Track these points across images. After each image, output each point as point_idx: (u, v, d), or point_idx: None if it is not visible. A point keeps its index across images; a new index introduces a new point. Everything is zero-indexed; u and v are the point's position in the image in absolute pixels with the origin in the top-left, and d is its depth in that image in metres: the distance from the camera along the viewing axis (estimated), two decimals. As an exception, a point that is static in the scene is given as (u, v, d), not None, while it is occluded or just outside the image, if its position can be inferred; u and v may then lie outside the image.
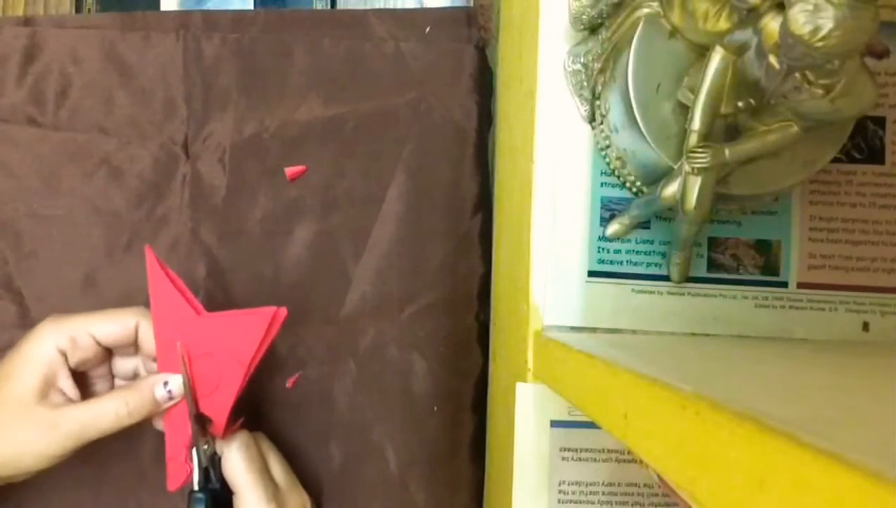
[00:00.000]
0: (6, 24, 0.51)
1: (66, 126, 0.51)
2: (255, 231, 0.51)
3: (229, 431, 0.40)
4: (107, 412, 0.37)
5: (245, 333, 0.40)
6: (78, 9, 0.55)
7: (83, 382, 0.41)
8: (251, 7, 0.56)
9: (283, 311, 0.40)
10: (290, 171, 0.51)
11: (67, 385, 0.39)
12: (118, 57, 0.51)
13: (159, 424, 0.41)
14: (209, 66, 0.51)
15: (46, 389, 0.38)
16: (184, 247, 0.50)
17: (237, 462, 0.40)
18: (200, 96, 0.51)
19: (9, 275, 0.50)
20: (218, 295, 0.50)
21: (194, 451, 0.39)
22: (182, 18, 0.52)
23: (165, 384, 0.39)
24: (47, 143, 0.50)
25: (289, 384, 0.50)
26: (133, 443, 0.49)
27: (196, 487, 0.40)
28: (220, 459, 0.40)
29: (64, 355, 0.38)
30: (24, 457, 0.37)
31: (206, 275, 0.50)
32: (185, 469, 0.39)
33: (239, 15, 0.53)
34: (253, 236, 0.51)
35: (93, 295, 0.50)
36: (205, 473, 0.40)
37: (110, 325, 0.39)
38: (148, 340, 0.40)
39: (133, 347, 0.41)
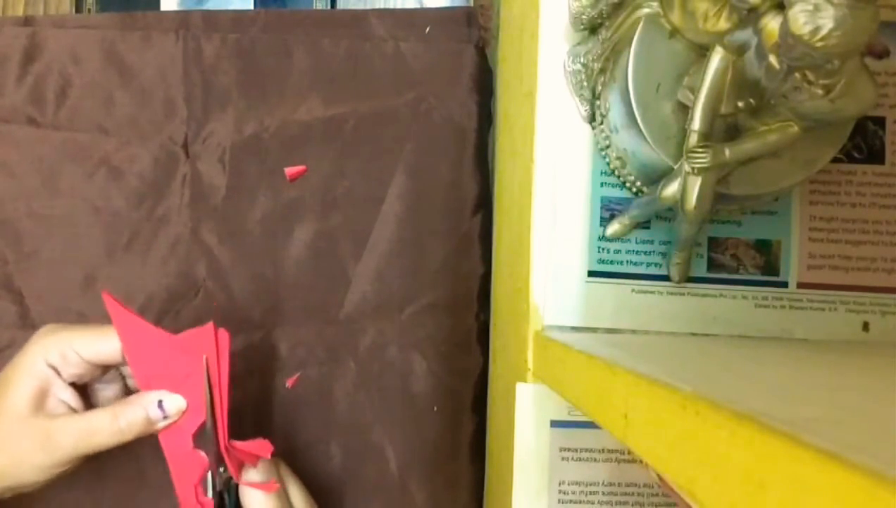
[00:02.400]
0: (6, 24, 0.51)
1: (66, 126, 0.51)
2: (255, 231, 0.51)
3: (235, 459, 0.39)
4: (100, 427, 0.37)
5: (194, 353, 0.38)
6: (78, 9, 0.55)
7: (93, 386, 0.41)
8: (251, 7, 0.56)
9: (224, 333, 0.39)
10: (290, 171, 0.51)
11: (67, 395, 0.38)
12: (118, 57, 0.51)
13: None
14: (209, 66, 0.51)
15: (41, 400, 0.37)
16: (184, 247, 0.50)
17: (255, 492, 0.38)
18: (200, 96, 0.51)
19: (9, 275, 0.50)
20: (218, 295, 0.50)
21: (209, 476, 0.39)
22: (182, 18, 0.52)
23: (160, 402, 0.38)
24: (47, 143, 0.50)
25: (289, 384, 0.50)
26: (133, 443, 0.49)
27: None
28: (236, 485, 0.39)
29: (55, 368, 0.38)
30: (21, 468, 0.37)
31: (206, 275, 0.50)
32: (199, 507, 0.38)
33: (239, 15, 0.53)
34: (253, 236, 0.51)
35: (93, 295, 0.50)
36: (219, 497, 0.39)
37: (96, 345, 0.38)
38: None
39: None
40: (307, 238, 0.51)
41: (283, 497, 0.40)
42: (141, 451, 0.49)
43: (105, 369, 0.41)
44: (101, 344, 0.38)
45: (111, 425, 0.37)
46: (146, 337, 0.38)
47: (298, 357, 0.50)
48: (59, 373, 0.38)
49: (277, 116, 0.51)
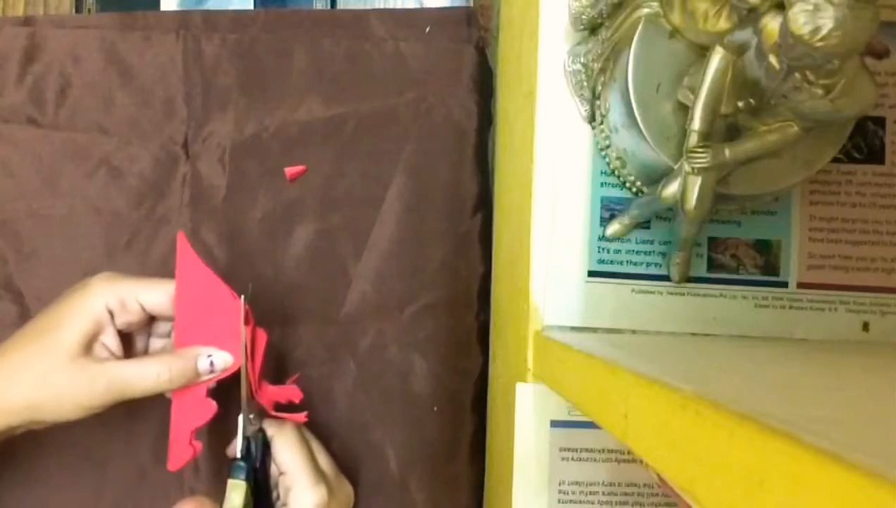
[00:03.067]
0: (6, 24, 0.51)
1: (66, 126, 0.51)
2: (255, 231, 0.51)
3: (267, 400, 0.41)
4: (149, 374, 0.38)
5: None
6: (78, 9, 0.55)
7: (126, 339, 0.42)
8: (251, 7, 0.56)
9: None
10: (290, 171, 0.51)
11: (113, 343, 0.39)
12: (118, 57, 0.51)
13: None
14: (209, 66, 0.51)
15: (91, 342, 0.38)
16: (184, 247, 0.50)
17: (290, 441, 0.41)
18: (200, 96, 0.51)
19: (9, 275, 0.50)
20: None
21: (240, 419, 0.40)
22: (182, 18, 0.52)
23: (209, 356, 0.39)
24: (47, 143, 0.50)
25: (289, 383, 0.50)
26: (133, 443, 0.49)
27: (238, 455, 0.40)
28: (263, 436, 0.41)
29: (111, 313, 0.39)
30: (63, 405, 0.37)
31: (206, 275, 0.50)
32: (188, 450, 0.39)
33: (239, 15, 0.53)
34: (253, 236, 0.51)
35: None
36: (246, 444, 0.40)
37: (159, 295, 0.40)
38: None
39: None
40: (307, 238, 0.51)
41: (312, 456, 0.42)
42: (141, 451, 0.49)
43: (152, 320, 0.42)
44: (164, 294, 0.40)
45: (161, 374, 0.38)
46: (203, 286, 0.40)
47: (298, 357, 0.50)
48: (113, 319, 0.39)
49: (277, 116, 0.51)
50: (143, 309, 0.40)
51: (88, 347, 0.38)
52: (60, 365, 0.37)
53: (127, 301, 0.39)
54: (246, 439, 0.40)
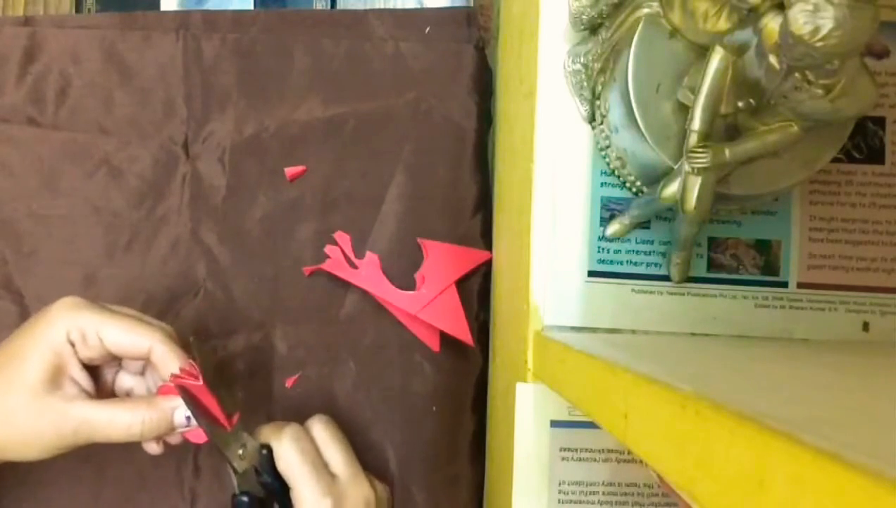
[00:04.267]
0: (6, 24, 0.51)
1: (66, 126, 0.51)
2: (255, 231, 0.51)
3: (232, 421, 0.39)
4: (119, 423, 0.36)
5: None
6: (78, 9, 0.55)
7: (101, 370, 0.40)
8: (251, 7, 0.56)
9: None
10: (290, 171, 0.51)
11: (82, 378, 0.37)
12: (118, 57, 0.51)
13: (151, 448, 0.39)
14: (209, 66, 0.51)
15: (56, 377, 0.36)
16: (184, 247, 0.50)
17: (289, 455, 0.38)
18: (200, 96, 0.51)
19: (9, 275, 0.50)
20: (218, 295, 0.50)
21: (229, 468, 0.38)
22: (182, 18, 0.52)
23: (187, 412, 0.37)
24: (47, 143, 0.50)
25: (288, 384, 0.50)
26: (133, 444, 0.49)
27: (237, 490, 0.39)
28: (266, 455, 0.39)
29: (73, 345, 0.36)
30: (28, 446, 0.36)
31: (206, 275, 0.50)
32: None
33: (239, 15, 0.53)
34: (253, 236, 0.51)
35: (93, 295, 0.49)
36: (254, 471, 0.39)
37: (123, 337, 0.37)
38: (161, 364, 0.37)
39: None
40: (307, 238, 0.51)
41: (318, 461, 0.40)
42: (141, 451, 0.49)
43: (119, 360, 0.40)
44: (128, 339, 0.37)
45: (132, 423, 0.36)
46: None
47: (298, 357, 0.50)
48: (75, 350, 0.37)
49: (277, 116, 0.51)
50: (105, 347, 0.37)
51: (54, 382, 0.36)
52: (24, 403, 0.35)
53: (88, 335, 0.36)
54: (254, 468, 0.38)
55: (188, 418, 0.37)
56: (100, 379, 0.40)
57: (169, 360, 0.37)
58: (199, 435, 0.38)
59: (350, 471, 0.40)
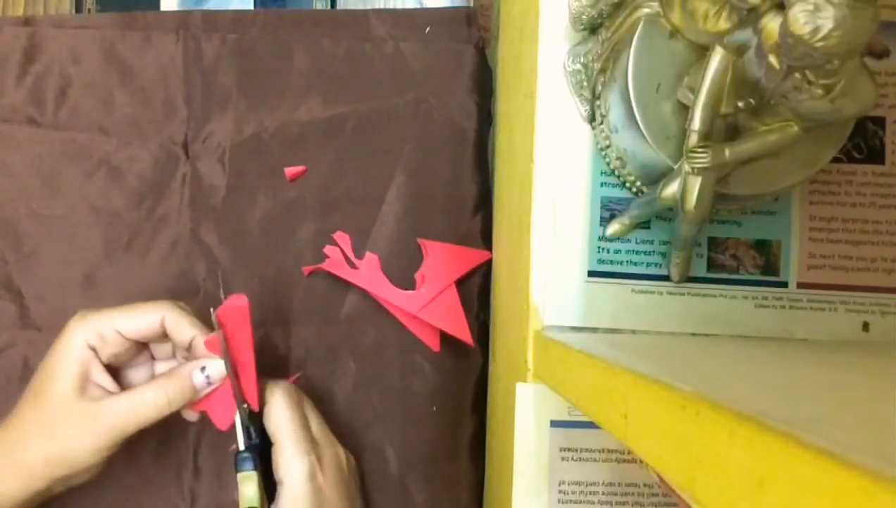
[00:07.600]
0: (6, 24, 0.51)
1: (66, 126, 0.51)
2: (255, 231, 0.51)
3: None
4: (146, 403, 0.37)
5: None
6: (78, 9, 0.55)
7: (123, 371, 0.41)
8: (251, 7, 0.56)
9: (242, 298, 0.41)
10: (290, 171, 0.51)
11: (104, 379, 0.39)
12: (118, 57, 0.51)
13: (189, 415, 0.41)
14: (209, 66, 0.51)
15: (84, 384, 0.38)
16: (184, 247, 0.50)
17: (280, 411, 0.40)
18: (200, 96, 0.51)
19: (9, 275, 0.50)
20: (218, 295, 0.50)
21: (237, 415, 0.40)
22: (182, 18, 0.52)
23: (203, 369, 0.39)
24: (47, 143, 0.50)
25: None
26: (133, 444, 0.49)
27: (242, 447, 0.40)
28: (257, 413, 0.41)
29: (94, 349, 0.38)
30: (72, 454, 0.37)
31: (206, 275, 0.50)
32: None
33: (239, 15, 0.53)
34: (253, 236, 0.51)
35: (93, 295, 0.50)
36: (246, 431, 0.40)
37: (135, 321, 0.39)
38: (176, 331, 0.39)
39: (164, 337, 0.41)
40: (307, 238, 0.51)
41: (304, 422, 0.42)
42: (141, 452, 0.49)
43: (139, 347, 0.41)
44: (139, 320, 0.39)
45: (157, 398, 0.38)
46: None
47: (298, 357, 0.50)
48: (97, 354, 0.39)
49: (277, 116, 0.51)
50: (124, 337, 0.39)
51: (83, 389, 0.38)
52: (62, 416, 0.37)
53: (105, 333, 0.39)
54: (245, 427, 0.40)
55: (207, 376, 0.39)
56: (130, 377, 0.42)
57: (181, 324, 0.39)
58: (221, 419, 0.40)
59: (325, 432, 0.43)
